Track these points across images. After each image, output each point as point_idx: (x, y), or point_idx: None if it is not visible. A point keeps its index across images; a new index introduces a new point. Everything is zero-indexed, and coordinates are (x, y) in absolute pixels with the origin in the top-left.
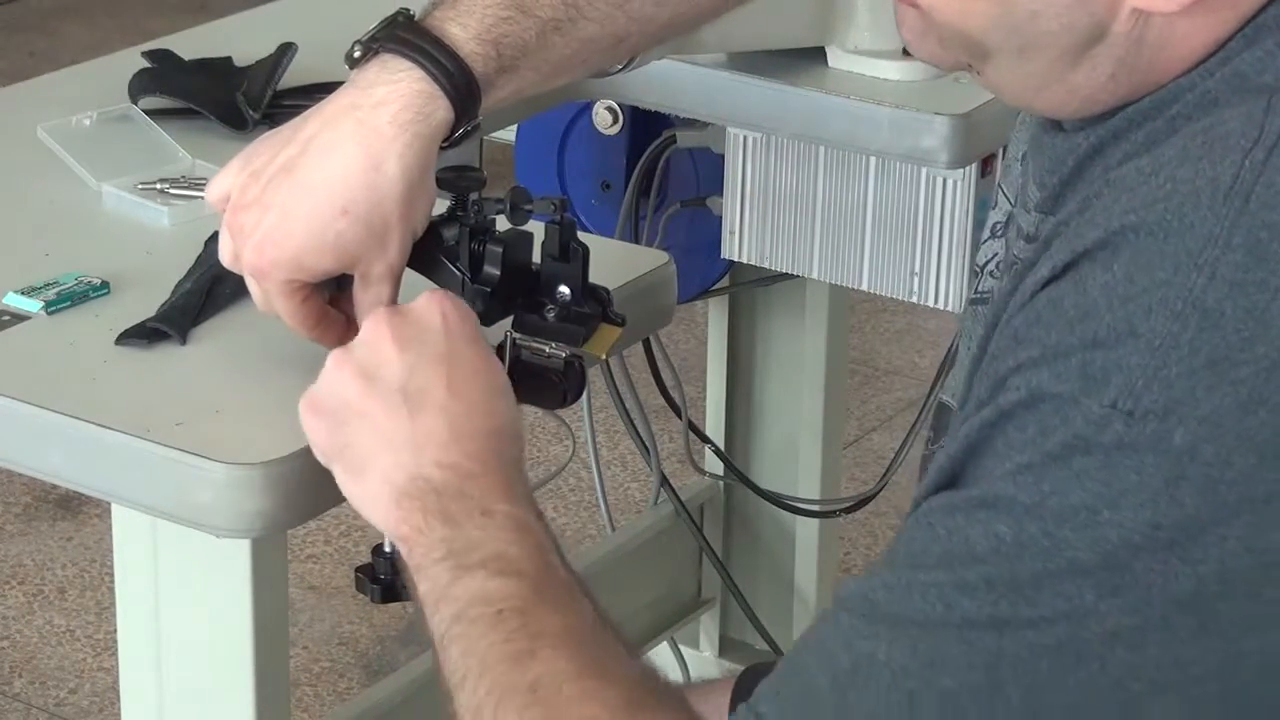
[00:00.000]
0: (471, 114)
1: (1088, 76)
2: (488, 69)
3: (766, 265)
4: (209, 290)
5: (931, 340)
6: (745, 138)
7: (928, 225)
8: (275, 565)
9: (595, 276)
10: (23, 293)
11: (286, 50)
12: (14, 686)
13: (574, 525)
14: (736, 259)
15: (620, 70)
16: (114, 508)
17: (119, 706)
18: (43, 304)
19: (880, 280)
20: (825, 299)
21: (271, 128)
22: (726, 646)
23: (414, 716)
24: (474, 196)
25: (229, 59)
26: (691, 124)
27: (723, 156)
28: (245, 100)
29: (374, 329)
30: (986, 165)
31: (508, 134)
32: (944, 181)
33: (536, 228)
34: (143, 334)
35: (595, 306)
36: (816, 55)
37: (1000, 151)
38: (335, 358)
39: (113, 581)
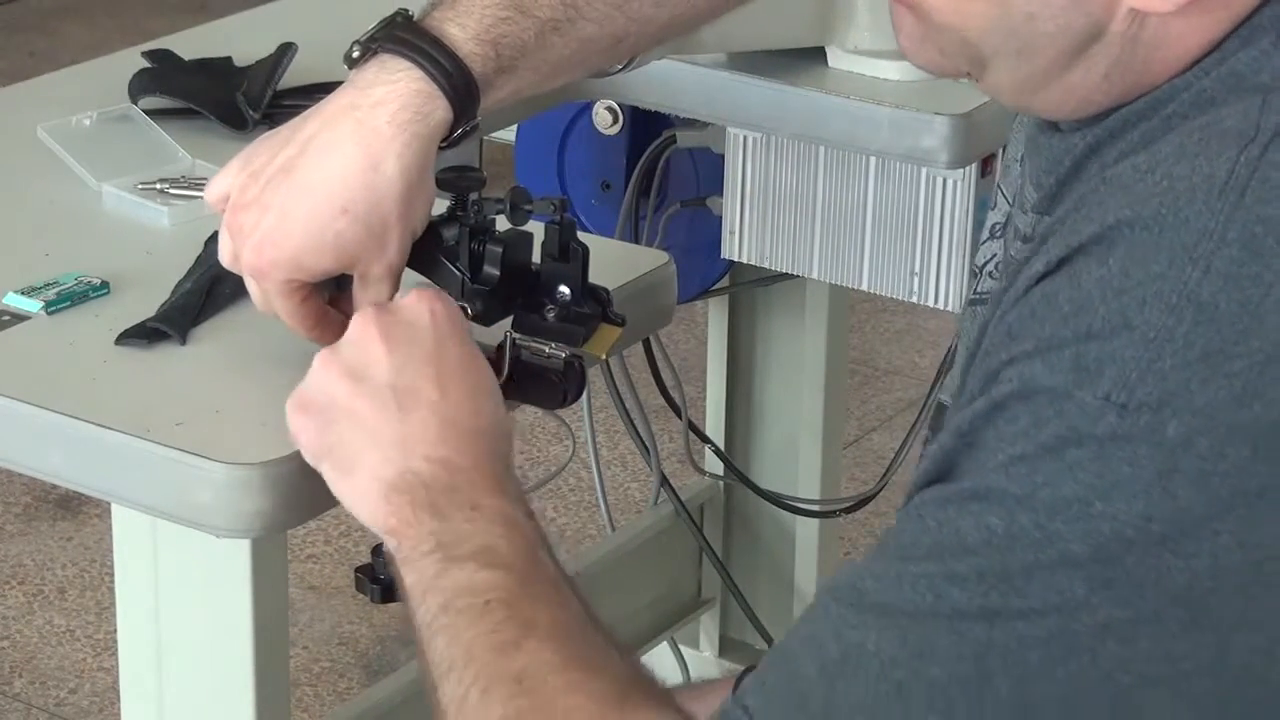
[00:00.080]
0: (470, 114)
1: (1084, 76)
2: (486, 69)
3: (766, 265)
4: (209, 290)
5: (931, 340)
6: (745, 138)
7: (928, 225)
8: (275, 565)
9: (595, 276)
10: (23, 293)
11: (286, 50)
12: (14, 686)
13: (574, 525)
14: (736, 259)
15: (620, 70)
16: (114, 508)
17: (119, 706)
18: (43, 304)
19: (880, 280)
20: (825, 299)
21: (271, 128)
22: (726, 646)
23: (414, 716)
24: (474, 196)
25: (229, 59)
26: (691, 124)
27: (723, 156)
28: (245, 100)
29: (362, 328)
30: (986, 165)
31: (508, 134)
32: (944, 181)
33: (536, 228)
34: (143, 334)
35: (595, 306)
36: (816, 55)
37: (1000, 151)
38: (322, 357)
39: (113, 581)
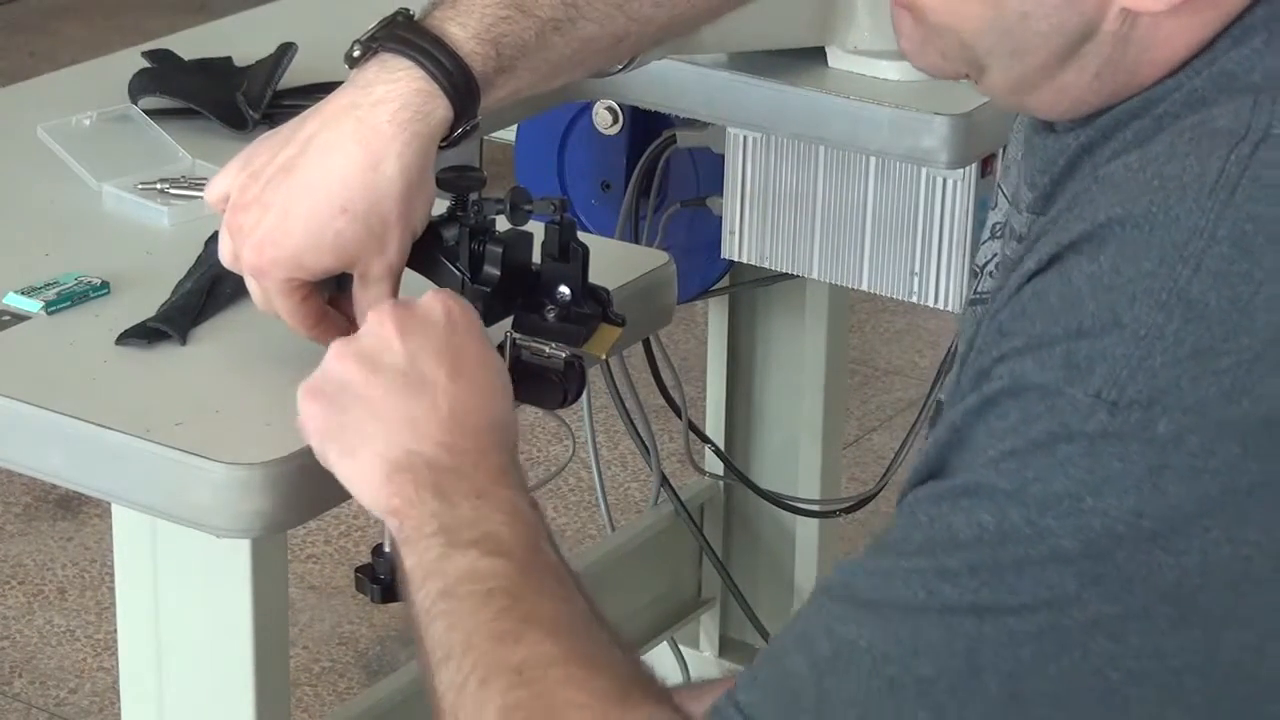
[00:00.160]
0: (471, 113)
1: (1076, 76)
2: (487, 68)
3: (766, 265)
4: (209, 290)
5: (931, 340)
6: (745, 138)
7: (928, 225)
8: (275, 565)
9: (595, 276)
10: (23, 293)
11: (286, 50)
12: (14, 686)
13: (574, 525)
14: (736, 259)
15: (620, 70)
16: (114, 508)
17: (119, 706)
18: (43, 304)
19: (880, 280)
20: (825, 299)
21: (271, 128)
22: (726, 646)
23: (414, 716)
24: (474, 196)
25: (229, 59)
26: (691, 124)
27: (723, 156)
28: (245, 100)
29: (378, 319)
30: (986, 165)
31: (508, 134)
32: (944, 181)
33: (536, 228)
34: (143, 334)
35: (595, 306)
36: (816, 55)
37: (1000, 151)
38: (337, 346)
39: (113, 581)
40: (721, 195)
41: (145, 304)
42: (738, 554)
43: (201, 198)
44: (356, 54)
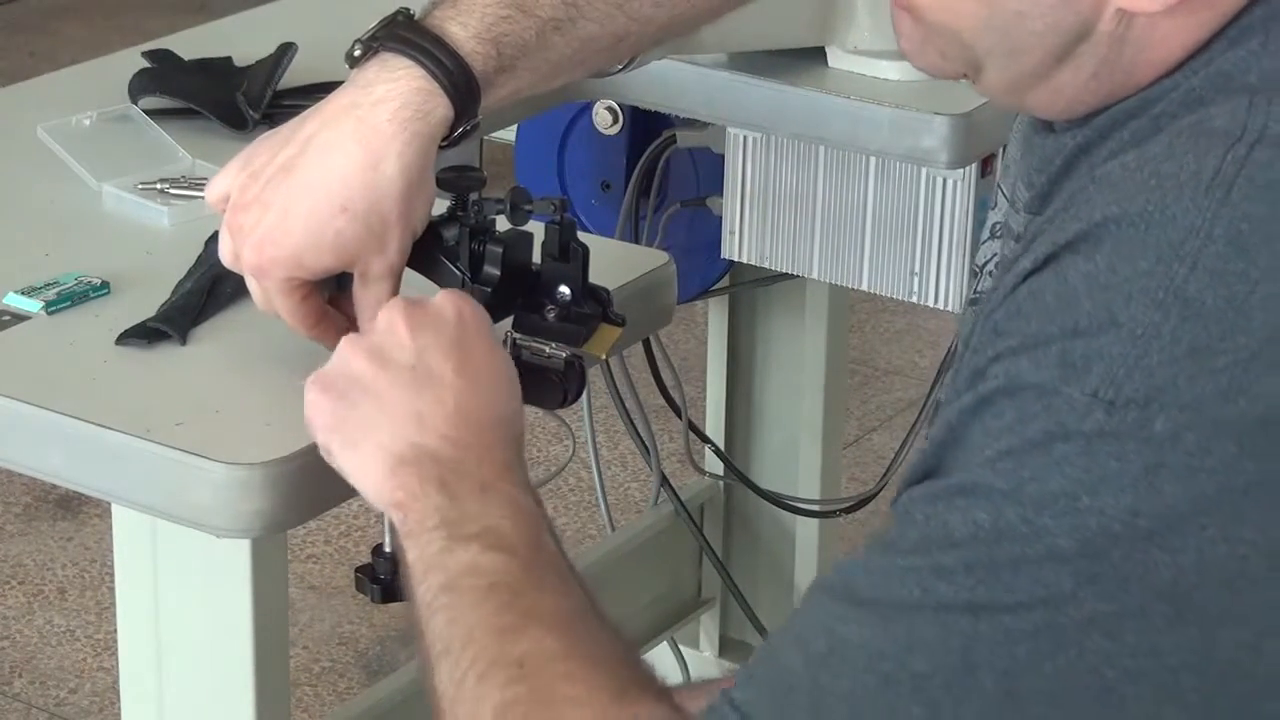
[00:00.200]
0: (471, 112)
1: (1072, 76)
2: (487, 68)
3: (766, 265)
4: (209, 290)
5: (931, 340)
6: (745, 138)
7: (928, 225)
8: (275, 565)
9: (595, 276)
10: (23, 293)
11: (286, 50)
12: (14, 686)
13: (574, 525)
14: (736, 259)
15: (620, 70)
16: (114, 508)
17: (119, 706)
18: (43, 304)
19: (880, 280)
20: (825, 299)
21: (271, 128)
22: (726, 646)
23: (414, 716)
24: (474, 196)
25: (229, 59)
26: (691, 124)
27: (723, 156)
28: (245, 100)
29: (389, 315)
30: (986, 165)
31: (508, 134)
32: (944, 181)
33: (536, 228)
34: (143, 334)
35: (595, 306)
36: (816, 55)
37: (1000, 151)
38: (348, 340)
39: (113, 581)
40: (721, 195)
41: (145, 304)
42: (738, 554)
43: (201, 198)
44: (357, 53)
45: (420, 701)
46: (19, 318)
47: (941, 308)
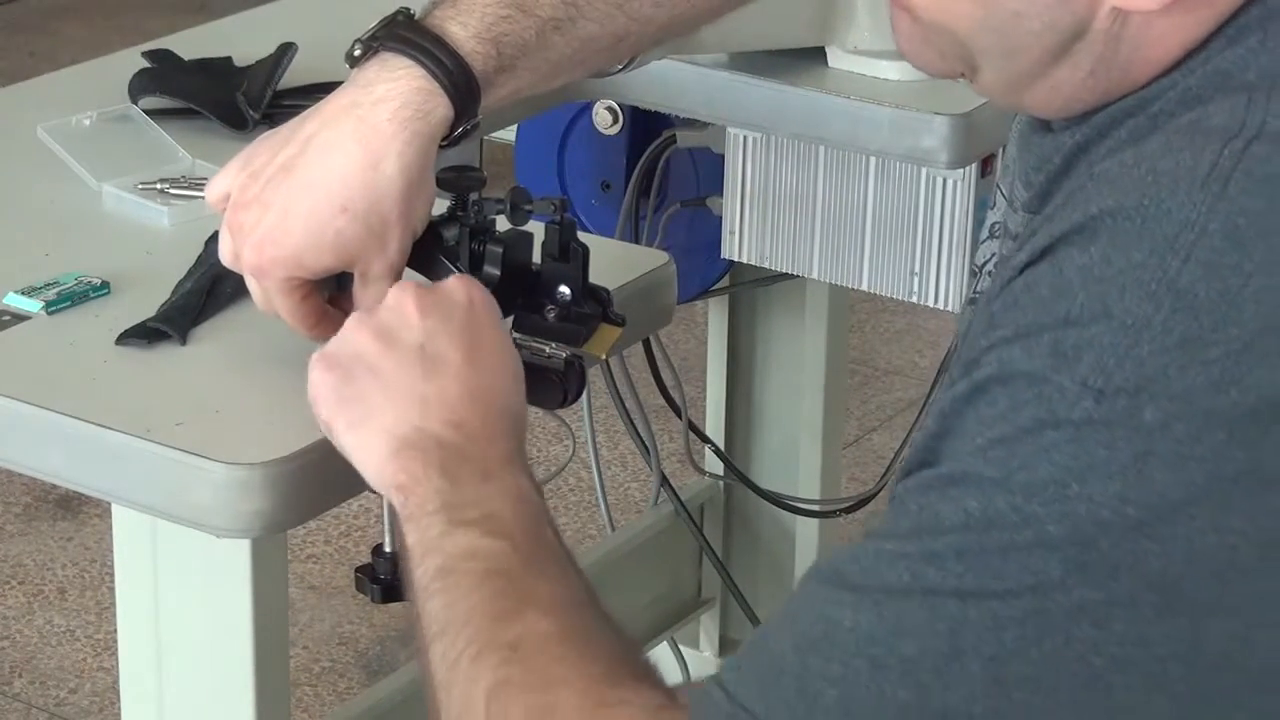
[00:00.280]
0: (471, 112)
1: (1069, 75)
2: (487, 67)
3: (766, 265)
4: (209, 290)
5: (931, 340)
6: (745, 138)
7: (928, 225)
8: (275, 565)
9: (595, 276)
10: (23, 293)
11: (286, 50)
12: (14, 686)
13: (574, 525)
14: (736, 259)
15: (620, 70)
16: (114, 508)
17: (119, 706)
18: (43, 304)
19: (880, 280)
20: (825, 299)
21: (271, 128)
22: (726, 646)
23: (414, 716)
24: (474, 196)
25: (229, 59)
26: (691, 124)
27: (723, 156)
28: (245, 100)
29: (398, 295)
30: (986, 165)
31: (508, 134)
32: (944, 181)
33: (536, 228)
34: (143, 334)
35: (595, 306)
36: (816, 55)
37: (1000, 151)
38: (356, 317)
39: (113, 581)
40: (721, 195)
41: (145, 304)
42: (738, 554)
43: (201, 198)
44: (357, 53)
45: (420, 702)
46: (19, 318)
47: (941, 308)
